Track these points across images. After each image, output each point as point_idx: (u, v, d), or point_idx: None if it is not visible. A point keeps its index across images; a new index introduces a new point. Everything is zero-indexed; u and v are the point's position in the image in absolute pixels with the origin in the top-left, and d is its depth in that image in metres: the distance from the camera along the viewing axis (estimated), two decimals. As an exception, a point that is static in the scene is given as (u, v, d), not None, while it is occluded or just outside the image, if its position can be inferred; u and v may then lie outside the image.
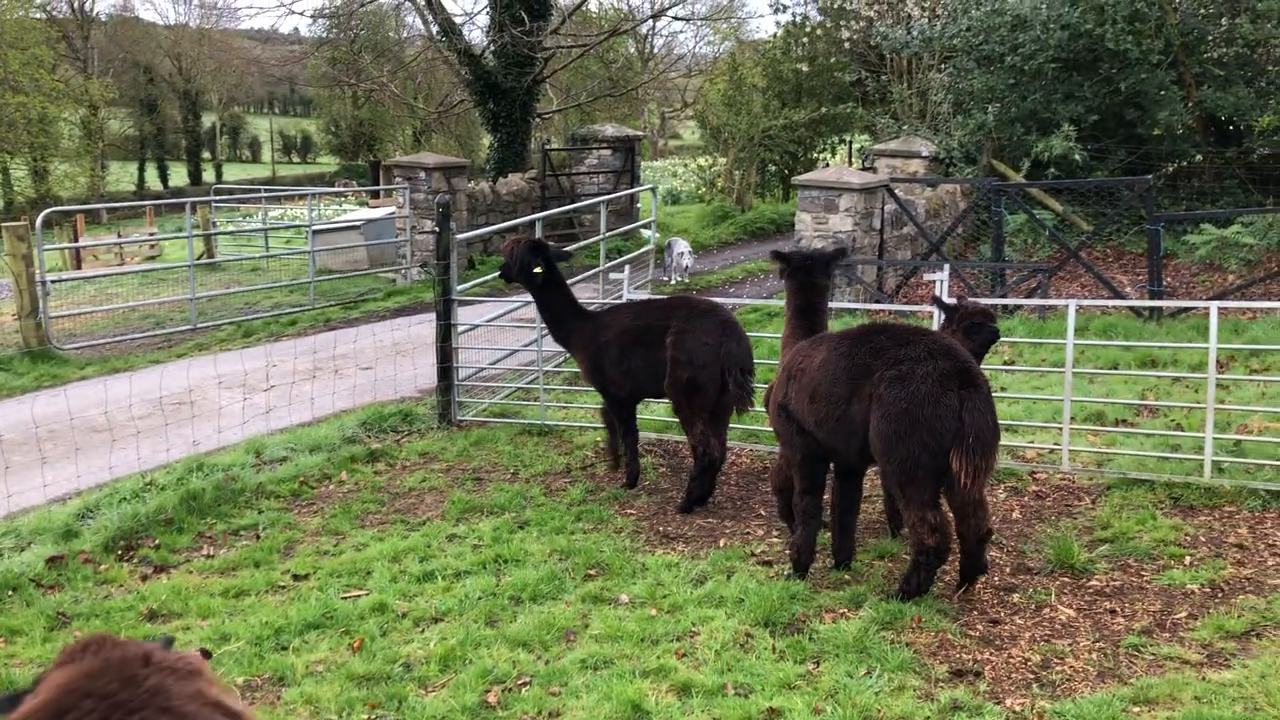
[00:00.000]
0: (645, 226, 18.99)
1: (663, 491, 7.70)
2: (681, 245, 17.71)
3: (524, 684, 4.90)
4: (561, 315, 7.94)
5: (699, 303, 7.63)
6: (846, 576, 5.97)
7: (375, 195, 26.79)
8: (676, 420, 7.73)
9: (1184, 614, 5.34)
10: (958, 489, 5.22)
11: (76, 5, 51.52)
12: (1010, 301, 11.94)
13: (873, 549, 6.36)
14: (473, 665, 5.07)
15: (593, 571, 6.19)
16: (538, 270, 7.77)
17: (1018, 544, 6.37)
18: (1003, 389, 9.78)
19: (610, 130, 23.37)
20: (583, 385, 9.55)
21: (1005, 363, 10.45)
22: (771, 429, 6.34)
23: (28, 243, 12.59)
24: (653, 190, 18.32)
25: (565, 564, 6.30)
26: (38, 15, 45.31)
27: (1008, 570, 6.02)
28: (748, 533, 6.84)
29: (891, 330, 5.70)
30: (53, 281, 13.60)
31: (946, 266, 8.69)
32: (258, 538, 7.02)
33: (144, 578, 6.44)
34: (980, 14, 17.20)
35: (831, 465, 6.00)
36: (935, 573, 5.51)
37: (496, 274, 8.60)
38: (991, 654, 5.04)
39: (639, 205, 23.51)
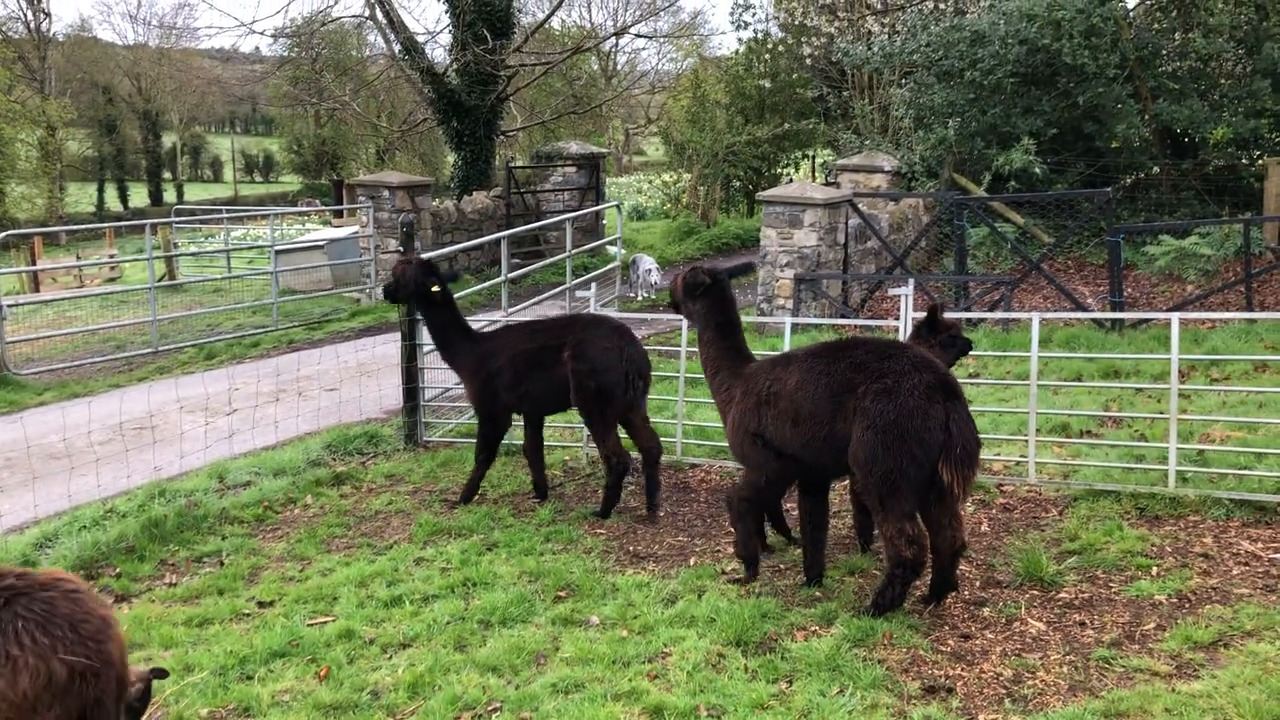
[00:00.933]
0: (611, 243, 18.99)
1: (632, 510, 7.66)
2: (648, 262, 17.73)
3: (494, 710, 4.84)
4: (450, 337, 7.96)
5: (588, 316, 8.02)
6: (818, 593, 5.95)
7: (339, 214, 26.63)
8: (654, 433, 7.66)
9: (1152, 625, 5.37)
10: (947, 500, 5.30)
11: (33, 25, 50.92)
12: (974, 315, 12.02)
13: (843, 565, 6.35)
14: (442, 691, 4.99)
15: (563, 593, 6.14)
16: (435, 289, 7.80)
17: (987, 557, 6.38)
18: (967, 402, 9.84)
19: (575, 147, 23.39)
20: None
21: (970, 375, 10.51)
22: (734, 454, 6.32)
23: (-17, 267, 12.40)
24: (618, 207, 18.35)
25: (535, 586, 6.24)
26: (-8, 36, 44.82)
27: (977, 584, 6.03)
28: (718, 551, 6.81)
29: (869, 344, 5.67)
30: (9, 306, 13.37)
31: (911, 281, 8.72)
32: (221, 564, 6.91)
33: (104, 608, 6.30)
34: (939, 30, 17.38)
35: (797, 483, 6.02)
36: (909, 587, 5.51)
37: (466, 291, 8.58)
38: (963, 669, 5.04)
39: (604, 222, 23.53)
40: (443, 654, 5.38)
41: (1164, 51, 17.22)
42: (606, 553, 6.83)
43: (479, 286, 13.72)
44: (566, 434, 9.18)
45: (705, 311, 6.31)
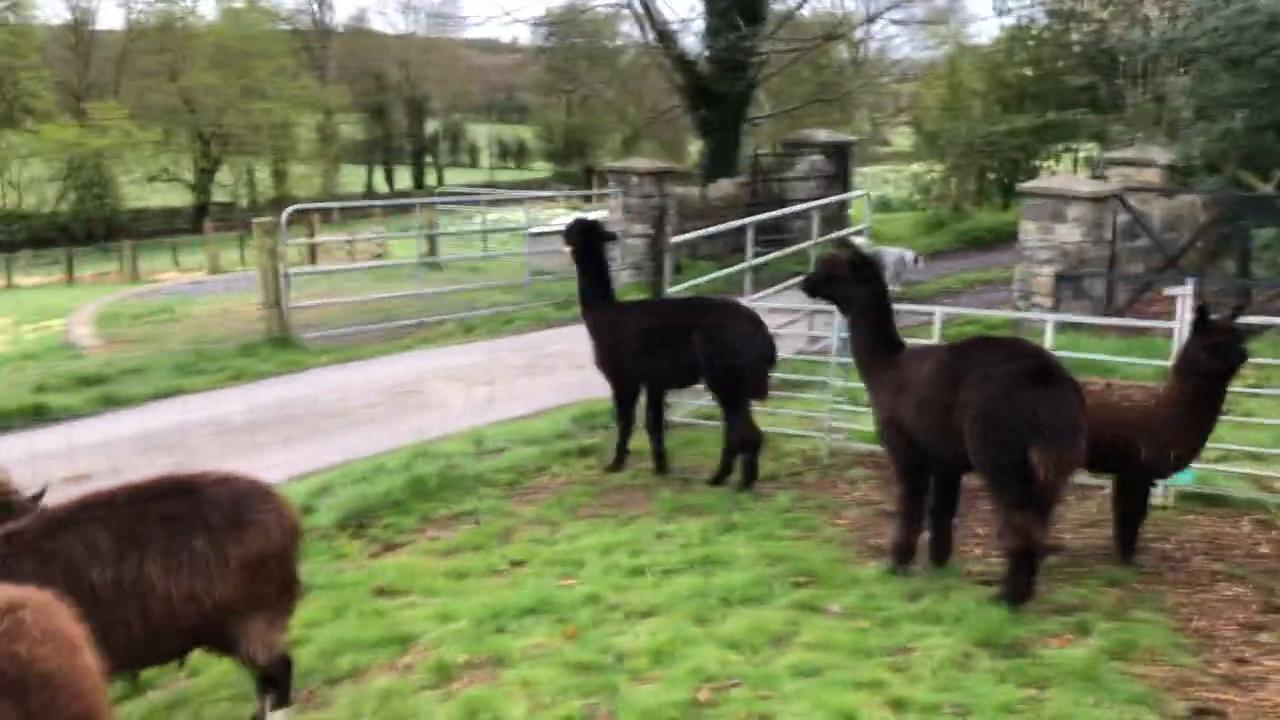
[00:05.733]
0: (858, 234, 18.67)
1: (874, 503, 7.54)
2: (893, 254, 17.21)
3: (734, 685, 4.89)
4: (591, 298, 8.26)
5: (723, 301, 8.35)
6: (1074, 602, 5.67)
7: (588, 200, 27.46)
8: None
9: None
10: (1036, 484, 5.27)
11: (317, 17, 55.22)
12: (1258, 320, 11.04)
13: (1103, 575, 6.02)
14: (683, 662, 5.09)
15: (801, 579, 6.12)
16: (570, 247, 8.22)
17: (1266, 580, 5.90)
18: (1248, 415, 9.10)
19: (823, 135, 23.11)
20: (787, 391, 9.46)
21: (1250, 386, 9.70)
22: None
23: (274, 238, 13.56)
24: (866, 196, 18.00)
25: (774, 570, 6.24)
26: (284, 28, 48.87)
27: (1254, 608, 5.58)
28: (964, 550, 6.59)
29: (985, 341, 5.97)
30: (294, 274, 14.56)
31: (1190, 282, 8.11)
32: (477, 523, 7.30)
33: (373, 555, 6.81)
34: (1230, 13, 16.02)
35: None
36: (1032, 575, 5.50)
37: (707, 278, 8.75)
38: (1237, 695, 4.68)
39: (849, 212, 23.15)
40: (683, 626, 5.48)
41: None
42: (846, 544, 6.76)
43: (720, 273, 13.79)
44: (807, 423, 9.12)
45: (860, 303, 6.34)
